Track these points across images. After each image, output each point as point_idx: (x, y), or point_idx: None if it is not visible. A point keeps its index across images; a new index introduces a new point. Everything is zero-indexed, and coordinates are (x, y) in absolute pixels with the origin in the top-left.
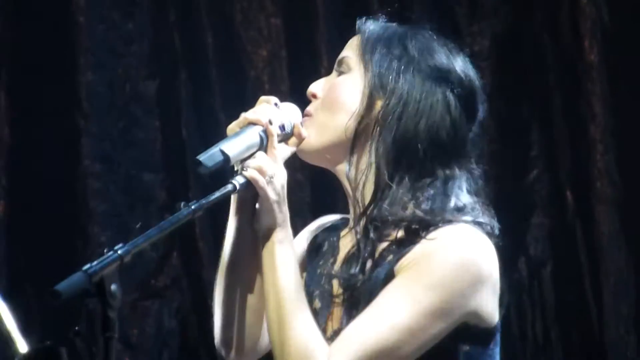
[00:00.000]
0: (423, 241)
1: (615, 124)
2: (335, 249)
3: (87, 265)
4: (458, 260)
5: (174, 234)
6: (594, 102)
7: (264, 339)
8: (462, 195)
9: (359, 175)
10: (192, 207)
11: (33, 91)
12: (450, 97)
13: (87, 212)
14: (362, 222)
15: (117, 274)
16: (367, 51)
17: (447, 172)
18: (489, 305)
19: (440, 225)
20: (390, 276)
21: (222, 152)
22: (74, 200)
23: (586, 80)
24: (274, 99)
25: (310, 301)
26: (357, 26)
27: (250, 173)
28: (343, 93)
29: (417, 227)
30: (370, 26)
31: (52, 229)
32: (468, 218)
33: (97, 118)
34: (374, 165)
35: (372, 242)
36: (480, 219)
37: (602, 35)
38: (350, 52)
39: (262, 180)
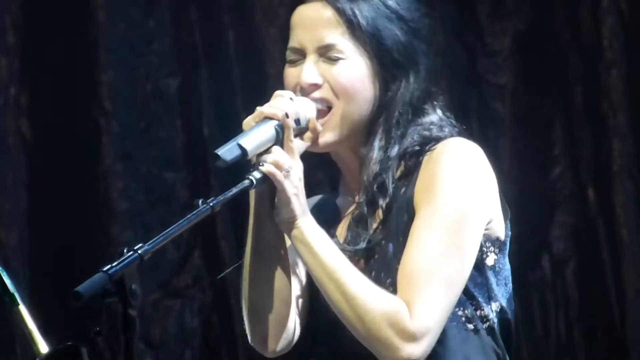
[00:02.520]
0: (426, 158)
1: (636, 120)
2: (336, 217)
3: (107, 266)
4: (468, 165)
5: (195, 233)
6: (614, 98)
7: (295, 328)
8: (444, 119)
9: (372, 149)
10: (210, 203)
11: (54, 90)
12: (424, 45)
13: (109, 211)
14: (366, 194)
15: (138, 273)
16: (362, 33)
17: (431, 106)
18: (499, 209)
19: (438, 141)
20: (410, 203)
21: (240, 146)
22: (96, 199)
23: (606, 76)
24: (289, 93)
25: None
26: None
27: (267, 167)
28: (358, 81)
29: (418, 148)
30: (341, 0)
31: (74, 228)
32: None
33: (118, 117)
34: (380, 136)
35: (381, 206)
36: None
37: (623, 32)
38: (335, 35)
39: (279, 174)
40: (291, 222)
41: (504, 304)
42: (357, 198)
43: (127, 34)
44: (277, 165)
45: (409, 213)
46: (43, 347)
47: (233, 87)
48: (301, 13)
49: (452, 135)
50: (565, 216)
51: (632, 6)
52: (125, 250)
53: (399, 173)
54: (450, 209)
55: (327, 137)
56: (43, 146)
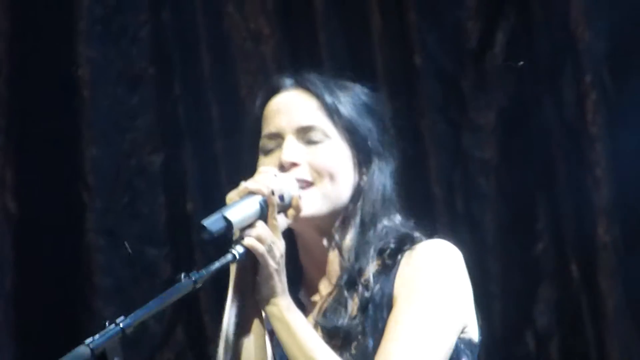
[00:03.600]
0: (405, 256)
1: (619, 194)
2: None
3: (90, 339)
4: (449, 267)
5: (179, 307)
6: (598, 173)
7: None
8: (411, 223)
9: (344, 234)
10: (193, 278)
11: (39, 166)
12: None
13: (91, 286)
14: (346, 276)
15: (120, 346)
16: (340, 119)
17: (397, 208)
18: (473, 310)
19: (415, 242)
20: (389, 299)
21: (225, 218)
22: (78, 275)
23: (590, 151)
24: (273, 170)
25: None
26: (283, 84)
27: (250, 241)
28: (339, 163)
29: (396, 246)
30: (318, 87)
31: (57, 303)
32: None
33: (102, 192)
34: (358, 222)
35: (359, 294)
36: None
37: (606, 107)
38: (314, 118)
39: (261, 248)
40: (270, 299)
41: None
42: (321, 285)
43: (111, 110)
44: (260, 240)
45: (388, 309)
46: None
47: (217, 163)
48: (277, 100)
49: (430, 236)
50: (549, 291)
51: (615, 80)
52: (107, 324)
53: (375, 269)
54: (428, 304)
55: (310, 210)
56: (27, 221)
